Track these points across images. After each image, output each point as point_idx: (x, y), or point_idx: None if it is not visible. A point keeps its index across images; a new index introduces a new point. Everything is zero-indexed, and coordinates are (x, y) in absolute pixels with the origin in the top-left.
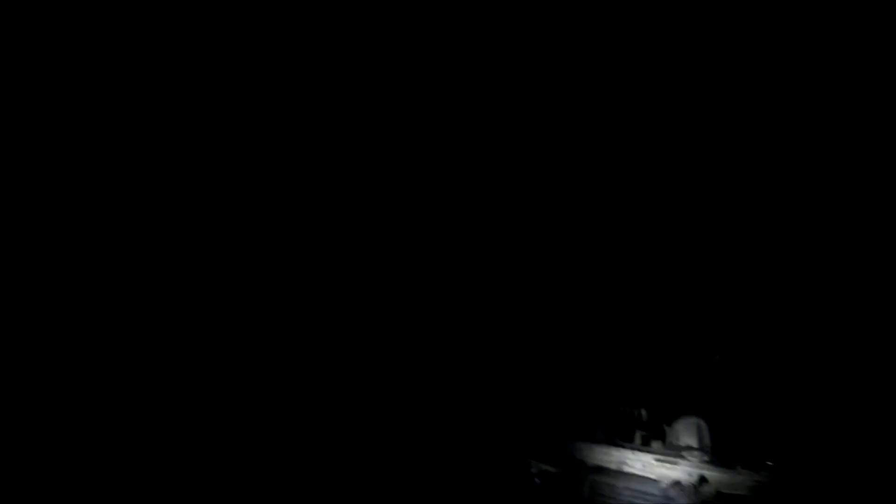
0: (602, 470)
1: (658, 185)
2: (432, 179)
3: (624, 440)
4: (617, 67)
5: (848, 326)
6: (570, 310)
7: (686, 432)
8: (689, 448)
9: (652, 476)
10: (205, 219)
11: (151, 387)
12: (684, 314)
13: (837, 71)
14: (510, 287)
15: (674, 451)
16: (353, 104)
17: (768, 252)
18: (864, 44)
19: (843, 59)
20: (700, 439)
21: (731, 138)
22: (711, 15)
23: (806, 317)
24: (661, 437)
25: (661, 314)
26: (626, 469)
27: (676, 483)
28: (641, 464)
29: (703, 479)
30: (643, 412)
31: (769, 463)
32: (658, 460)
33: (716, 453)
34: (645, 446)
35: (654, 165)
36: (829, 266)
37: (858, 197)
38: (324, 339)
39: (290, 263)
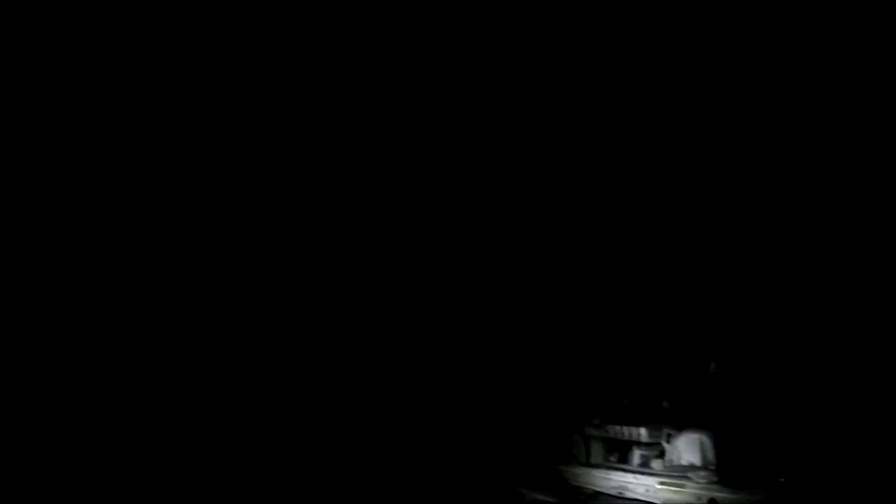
0: (601, 496)
1: (642, 193)
2: (419, 178)
3: (621, 461)
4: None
5: (854, 330)
6: (557, 323)
7: (688, 449)
8: (692, 467)
9: (656, 501)
10: (205, 219)
11: (151, 387)
12: (677, 322)
13: (836, 71)
14: (493, 302)
15: (677, 472)
16: (353, 104)
17: (764, 255)
18: (864, 44)
19: (843, 60)
20: (704, 456)
21: (719, 141)
22: (711, 15)
23: (809, 320)
24: (662, 455)
25: (653, 323)
26: (628, 494)
27: None
28: (644, 488)
29: (713, 502)
30: (641, 431)
31: (781, 480)
32: (662, 483)
33: (723, 472)
34: (645, 467)
35: (638, 173)
36: (830, 268)
37: (856, 198)
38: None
39: (290, 263)
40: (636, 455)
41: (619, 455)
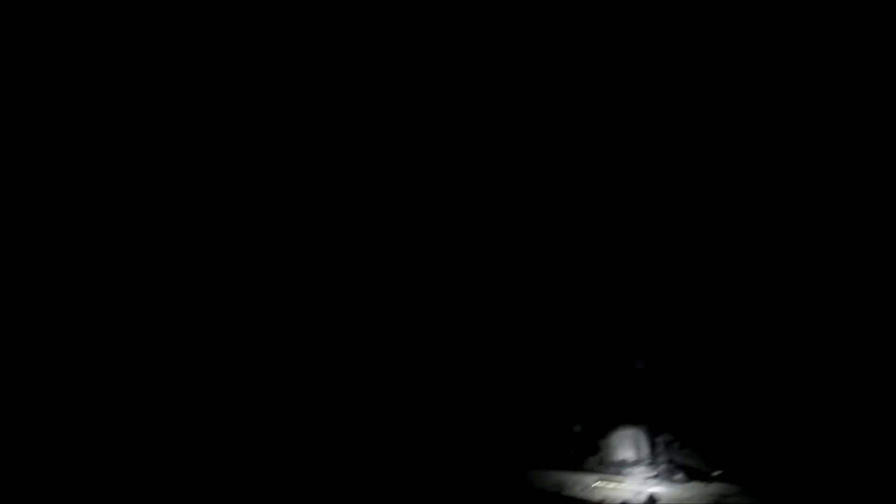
0: (539, 494)
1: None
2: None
3: (557, 460)
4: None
5: (784, 321)
6: (488, 328)
7: (622, 445)
8: (626, 463)
9: (595, 498)
10: (205, 219)
11: (151, 387)
12: (603, 322)
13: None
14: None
15: (613, 468)
16: (353, 104)
17: (685, 253)
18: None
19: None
20: (638, 451)
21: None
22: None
23: (733, 315)
24: (595, 452)
25: (580, 324)
26: (566, 493)
27: None
28: (581, 486)
29: (652, 499)
30: (577, 428)
31: (715, 473)
32: (602, 480)
33: (659, 467)
34: (579, 465)
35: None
36: (755, 261)
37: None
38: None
39: (286, 263)
40: (570, 453)
41: (554, 453)
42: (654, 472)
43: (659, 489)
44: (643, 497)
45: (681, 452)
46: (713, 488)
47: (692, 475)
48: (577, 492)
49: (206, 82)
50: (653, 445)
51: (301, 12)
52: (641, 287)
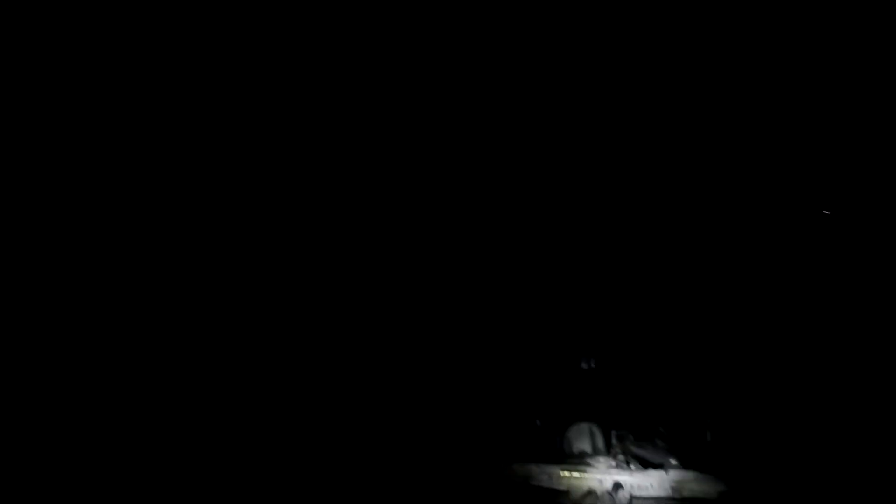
0: (504, 486)
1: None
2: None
3: (517, 454)
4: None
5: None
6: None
7: (579, 439)
8: (584, 454)
9: (562, 488)
10: (205, 219)
11: (151, 387)
12: (553, 321)
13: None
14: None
15: (573, 460)
16: (353, 104)
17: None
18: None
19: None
20: (593, 444)
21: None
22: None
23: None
24: (554, 445)
25: (531, 323)
26: (533, 483)
27: (589, 492)
28: (548, 476)
29: (618, 485)
30: (538, 422)
31: (673, 461)
32: (566, 470)
33: (616, 458)
34: (537, 456)
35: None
36: (696, 260)
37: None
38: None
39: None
40: (528, 446)
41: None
42: (614, 463)
43: (621, 477)
44: (608, 484)
45: (635, 444)
46: (672, 475)
47: (648, 465)
48: (545, 482)
49: (205, 82)
50: (608, 439)
51: (301, 12)
52: (592, 288)
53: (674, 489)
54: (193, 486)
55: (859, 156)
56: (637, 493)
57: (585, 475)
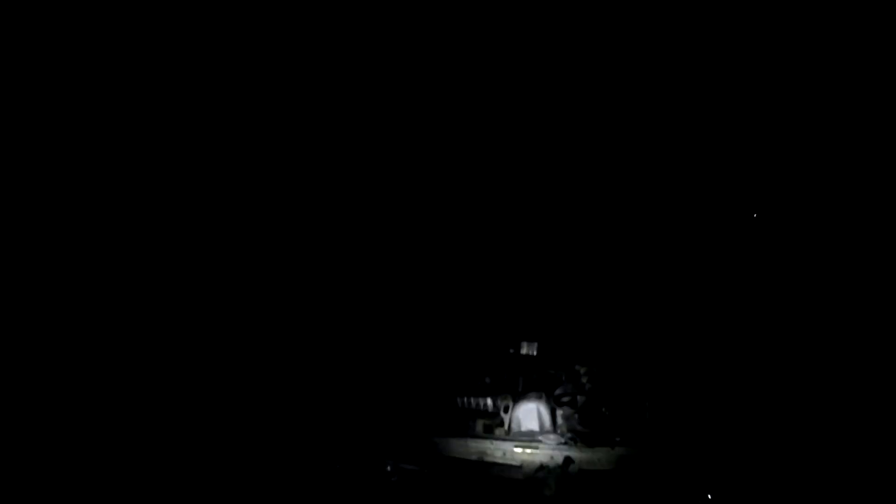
0: (462, 462)
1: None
2: None
3: (466, 431)
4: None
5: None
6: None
7: (527, 417)
8: (533, 432)
9: (515, 463)
10: (205, 219)
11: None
12: (497, 310)
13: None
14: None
15: (522, 437)
16: (353, 104)
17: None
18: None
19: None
20: (541, 423)
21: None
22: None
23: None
24: (501, 424)
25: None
26: (487, 459)
27: (542, 467)
28: (502, 452)
29: (569, 460)
30: (488, 401)
31: (618, 438)
32: (519, 447)
33: (564, 436)
34: (488, 434)
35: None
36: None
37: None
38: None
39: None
40: (479, 424)
41: (463, 425)
42: (563, 440)
43: (572, 452)
44: (558, 460)
45: (579, 423)
46: (617, 451)
47: (593, 442)
48: (499, 457)
49: (206, 82)
50: (554, 418)
51: (301, 12)
52: (535, 279)
53: (619, 463)
54: (193, 486)
55: (858, 156)
56: (586, 467)
57: (537, 451)
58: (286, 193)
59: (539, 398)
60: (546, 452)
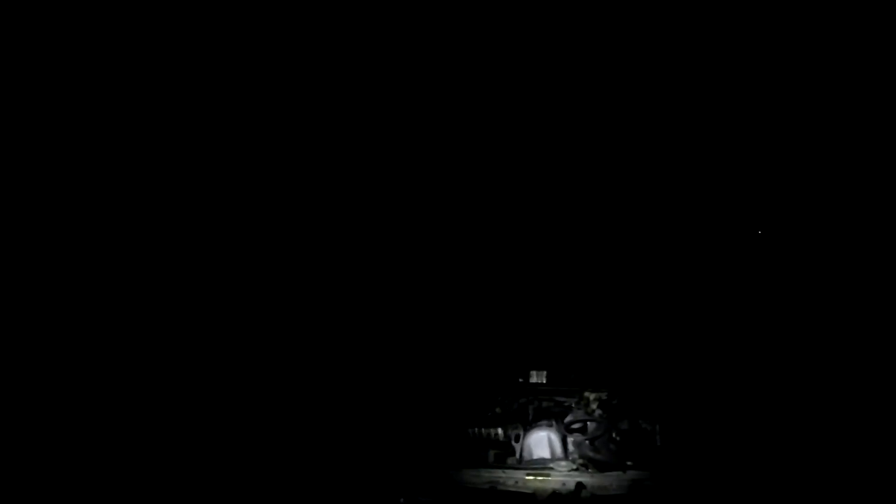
0: (475, 492)
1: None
2: None
3: (478, 461)
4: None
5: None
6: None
7: (538, 445)
8: (545, 460)
9: (527, 491)
10: (205, 219)
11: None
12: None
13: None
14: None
15: (534, 465)
16: (353, 104)
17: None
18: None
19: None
20: (552, 450)
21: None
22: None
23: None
24: (513, 453)
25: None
26: (500, 488)
27: (554, 494)
28: (514, 480)
29: (581, 486)
30: (499, 431)
31: (629, 463)
32: (531, 475)
33: (575, 462)
34: (500, 463)
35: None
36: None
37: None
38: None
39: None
40: (491, 454)
41: (475, 455)
42: (574, 467)
43: (582, 479)
44: (571, 486)
45: (591, 449)
46: (629, 475)
47: (605, 467)
48: (511, 486)
49: (206, 83)
50: (565, 445)
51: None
52: (540, 306)
53: (631, 488)
54: (193, 486)
55: (857, 157)
56: (598, 493)
57: (549, 479)
58: (294, 208)
59: (549, 426)
60: (558, 479)
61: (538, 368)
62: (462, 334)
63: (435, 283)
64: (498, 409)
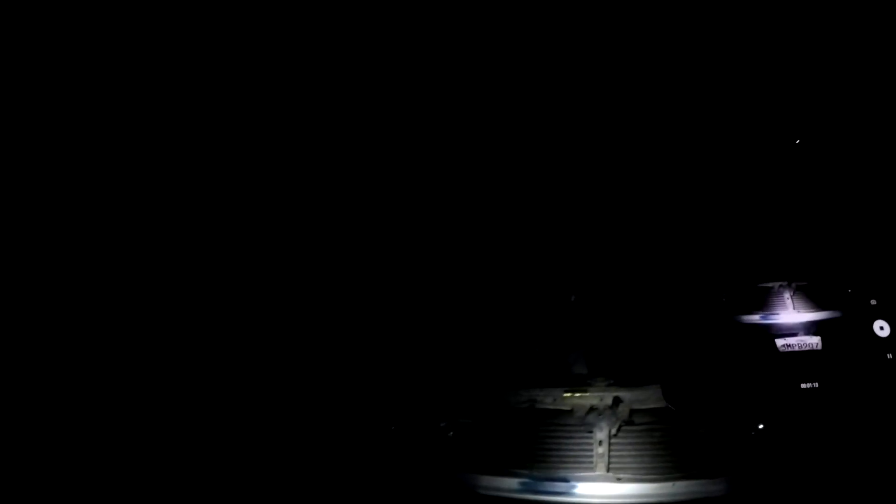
0: (514, 411)
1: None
2: None
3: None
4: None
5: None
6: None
7: (576, 363)
8: (583, 376)
9: (565, 407)
10: (205, 219)
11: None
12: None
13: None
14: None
15: (573, 381)
16: (353, 104)
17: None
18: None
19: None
20: (589, 367)
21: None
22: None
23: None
24: (555, 369)
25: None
26: (538, 406)
27: (592, 409)
28: (552, 398)
29: (617, 400)
30: (536, 350)
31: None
32: (568, 391)
33: (614, 377)
34: (544, 381)
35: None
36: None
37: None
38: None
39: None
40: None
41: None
42: (611, 382)
43: (620, 393)
44: (608, 401)
45: (627, 364)
46: (658, 391)
47: (642, 381)
48: (549, 403)
49: (206, 83)
50: (601, 360)
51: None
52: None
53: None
54: (193, 486)
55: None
56: (636, 406)
57: (586, 395)
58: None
59: (586, 343)
60: (595, 395)
61: (573, 290)
62: (508, 262)
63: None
64: (535, 330)
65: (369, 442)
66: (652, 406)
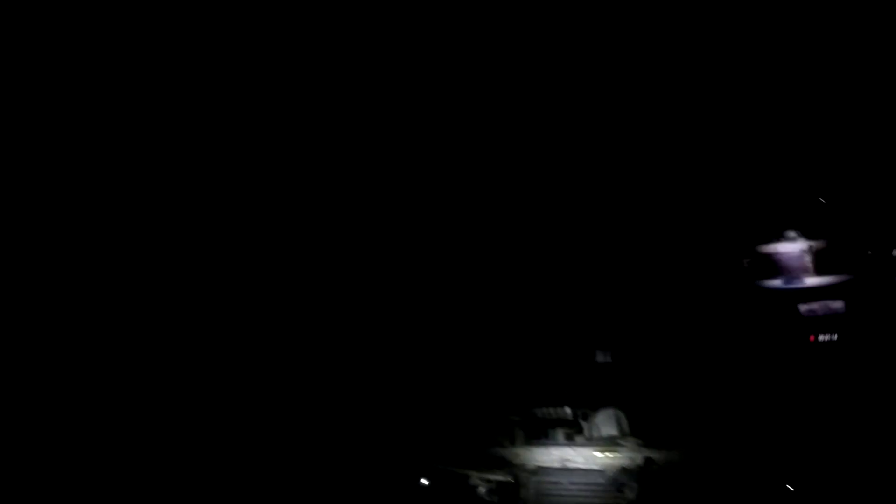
0: (545, 470)
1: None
2: None
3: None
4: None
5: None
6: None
7: (606, 424)
8: (613, 437)
9: (597, 467)
10: (205, 219)
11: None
12: (575, 318)
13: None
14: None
15: (602, 443)
16: (353, 104)
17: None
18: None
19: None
20: (620, 428)
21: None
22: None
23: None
24: (580, 431)
25: (554, 318)
26: (570, 465)
27: (624, 469)
28: (584, 458)
29: (650, 461)
30: (567, 410)
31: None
32: (600, 451)
33: (644, 438)
34: (569, 441)
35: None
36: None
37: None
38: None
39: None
40: (559, 432)
41: (542, 434)
42: (642, 443)
43: (651, 455)
44: (640, 461)
45: (657, 426)
46: (688, 452)
47: (672, 443)
48: (581, 463)
49: (206, 83)
50: (632, 422)
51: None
52: (604, 290)
53: (692, 462)
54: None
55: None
56: (667, 468)
57: (617, 455)
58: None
59: (615, 406)
60: (627, 456)
61: (603, 349)
62: (528, 316)
63: (501, 265)
64: (565, 391)
65: (401, 495)
66: (682, 467)
